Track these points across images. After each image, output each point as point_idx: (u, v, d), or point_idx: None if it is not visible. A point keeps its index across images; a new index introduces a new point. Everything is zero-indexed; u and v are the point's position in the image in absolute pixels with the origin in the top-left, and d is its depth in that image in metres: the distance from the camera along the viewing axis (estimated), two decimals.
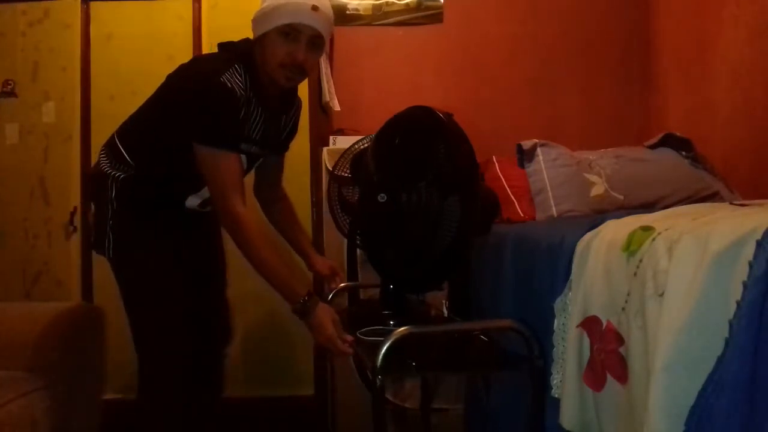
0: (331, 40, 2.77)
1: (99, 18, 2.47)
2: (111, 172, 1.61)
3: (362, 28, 2.86)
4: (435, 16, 2.87)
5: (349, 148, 1.83)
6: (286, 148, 1.84)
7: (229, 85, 1.48)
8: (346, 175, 1.78)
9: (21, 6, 2.47)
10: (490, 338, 1.30)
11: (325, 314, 1.40)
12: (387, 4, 2.87)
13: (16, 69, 2.48)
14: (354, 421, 2.21)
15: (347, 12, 2.85)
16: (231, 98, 1.48)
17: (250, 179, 1.80)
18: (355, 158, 1.73)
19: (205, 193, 1.65)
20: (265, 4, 1.53)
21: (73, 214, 2.43)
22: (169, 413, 1.57)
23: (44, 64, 2.47)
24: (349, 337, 1.38)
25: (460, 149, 1.19)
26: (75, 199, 2.44)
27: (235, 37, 1.63)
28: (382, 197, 1.24)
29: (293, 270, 1.72)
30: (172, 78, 1.60)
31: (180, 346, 1.57)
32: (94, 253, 2.42)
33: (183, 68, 1.60)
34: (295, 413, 2.36)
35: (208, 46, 2.42)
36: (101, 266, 2.43)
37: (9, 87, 2.47)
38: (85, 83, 2.46)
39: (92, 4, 2.47)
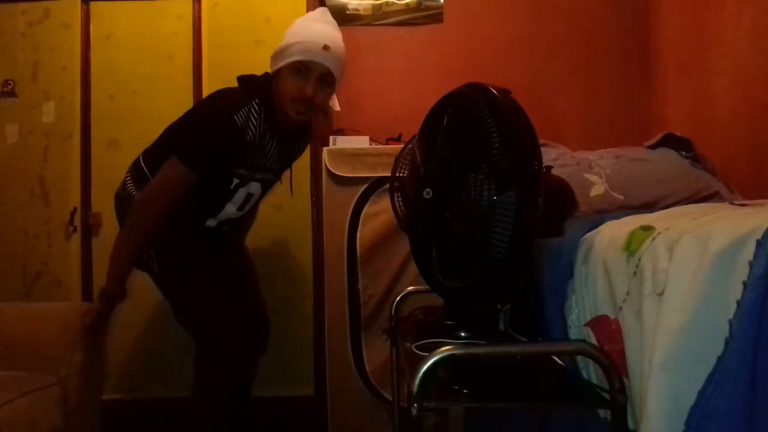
0: None
1: (99, 18, 2.47)
2: (136, 194, 1.68)
3: (362, 28, 2.85)
4: (435, 16, 2.87)
5: (408, 142, 1.60)
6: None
7: (240, 123, 1.54)
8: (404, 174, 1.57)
9: (21, 6, 2.47)
10: (563, 362, 1.09)
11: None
12: (387, 4, 2.87)
13: (16, 69, 2.47)
14: (354, 421, 2.21)
15: (347, 12, 2.85)
16: (235, 135, 1.55)
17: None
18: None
19: (222, 216, 1.73)
20: (282, 42, 1.59)
21: (73, 214, 2.43)
22: (220, 411, 1.65)
23: (44, 64, 2.47)
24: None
25: (517, 134, 1.01)
26: (75, 199, 2.44)
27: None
28: (427, 192, 1.10)
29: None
30: (196, 106, 1.70)
31: (233, 342, 1.67)
32: (93, 253, 2.44)
33: (207, 98, 1.68)
34: (295, 413, 2.36)
35: (208, 46, 2.41)
36: (101, 266, 2.43)
37: (9, 87, 2.47)
38: (85, 83, 2.46)
39: (92, 4, 2.47)
